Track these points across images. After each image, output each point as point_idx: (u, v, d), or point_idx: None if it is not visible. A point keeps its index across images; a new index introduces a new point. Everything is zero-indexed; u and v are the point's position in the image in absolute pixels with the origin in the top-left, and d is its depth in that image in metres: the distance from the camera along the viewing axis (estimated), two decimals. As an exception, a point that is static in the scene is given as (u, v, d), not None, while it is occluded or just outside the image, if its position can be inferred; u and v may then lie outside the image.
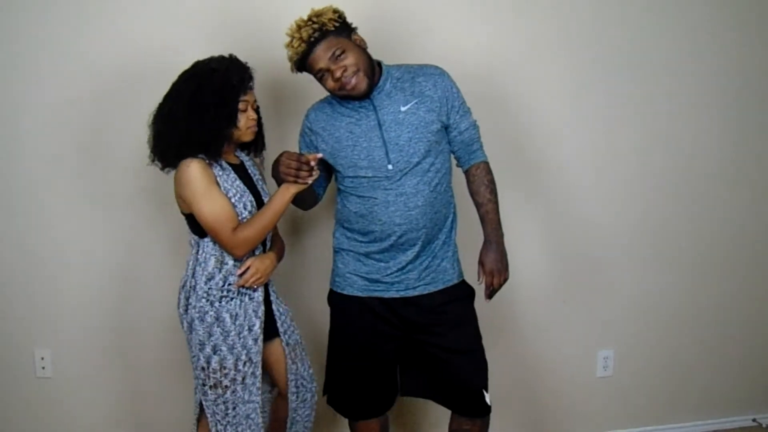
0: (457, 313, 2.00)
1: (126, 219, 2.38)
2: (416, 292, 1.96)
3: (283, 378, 2.03)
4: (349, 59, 1.83)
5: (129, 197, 2.37)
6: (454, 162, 2.07)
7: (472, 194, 2.04)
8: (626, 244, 2.66)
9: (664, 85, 2.60)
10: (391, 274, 1.95)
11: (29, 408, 2.42)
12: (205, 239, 1.89)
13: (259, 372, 1.92)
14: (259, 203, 1.93)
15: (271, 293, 2.02)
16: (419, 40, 2.41)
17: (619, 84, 2.56)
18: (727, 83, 2.64)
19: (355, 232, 1.97)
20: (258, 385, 1.93)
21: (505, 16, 2.47)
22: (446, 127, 1.97)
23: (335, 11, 1.86)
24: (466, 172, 2.04)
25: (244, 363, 1.89)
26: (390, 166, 1.88)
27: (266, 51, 2.11)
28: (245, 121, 1.88)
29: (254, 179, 1.99)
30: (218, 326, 1.87)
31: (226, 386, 1.88)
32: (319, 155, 1.88)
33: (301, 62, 1.86)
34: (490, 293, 2.01)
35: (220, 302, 1.87)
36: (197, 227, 1.88)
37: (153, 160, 1.88)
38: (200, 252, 1.90)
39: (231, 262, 1.89)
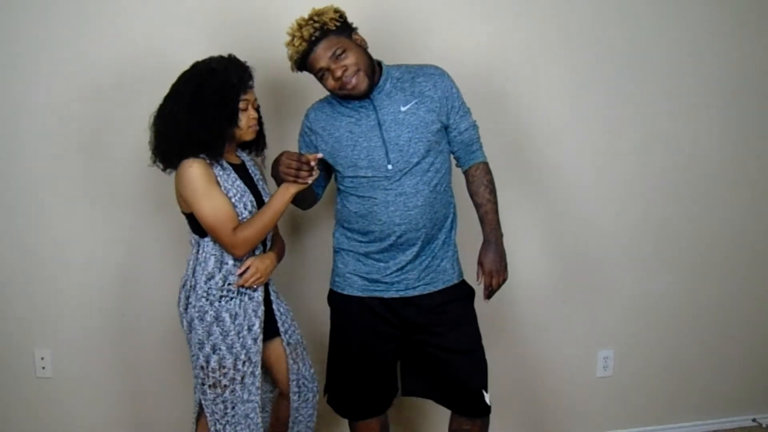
0: (457, 313, 2.00)
1: (126, 219, 2.38)
2: (416, 292, 1.96)
3: (283, 378, 2.03)
4: (350, 59, 1.83)
5: (129, 197, 2.37)
6: (453, 162, 2.07)
7: (472, 194, 2.04)
8: (626, 244, 2.66)
9: (664, 85, 2.60)
10: (391, 274, 1.95)
11: (29, 408, 2.42)
12: (206, 239, 1.89)
13: (258, 372, 1.92)
14: (260, 203, 1.93)
15: (272, 293, 2.02)
16: (419, 40, 2.41)
17: (619, 84, 2.57)
18: (727, 83, 2.64)
19: (355, 232, 1.97)
20: (257, 384, 1.93)
21: (505, 16, 2.47)
22: (446, 128, 1.97)
23: (336, 11, 1.86)
24: (466, 173, 2.04)
25: (243, 362, 1.89)
26: (390, 166, 1.88)
27: (266, 51, 2.11)
28: (246, 120, 1.89)
29: (255, 179, 1.99)
30: (217, 325, 1.87)
31: (225, 385, 1.88)
32: (319, 155, 1.88)
33: (302, 61, 1.86)
34: (489, 293, 2.01)
35: (219, 302, 1.88)
36: (198, 227, 1.88)
37: (155, 162, 1.89)
38: (200, 251, 1.90)
39: (231, 262, 1.89)
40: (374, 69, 1.90)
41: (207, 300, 1.87)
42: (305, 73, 1.92)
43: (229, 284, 1.89)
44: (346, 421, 2.14)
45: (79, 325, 2.40)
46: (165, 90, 1.89)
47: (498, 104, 2.49)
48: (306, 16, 1.84)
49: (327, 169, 2.02)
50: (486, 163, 2.04)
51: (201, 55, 1.92)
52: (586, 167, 2.60)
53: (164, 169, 1.90)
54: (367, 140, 1.90)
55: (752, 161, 2.72)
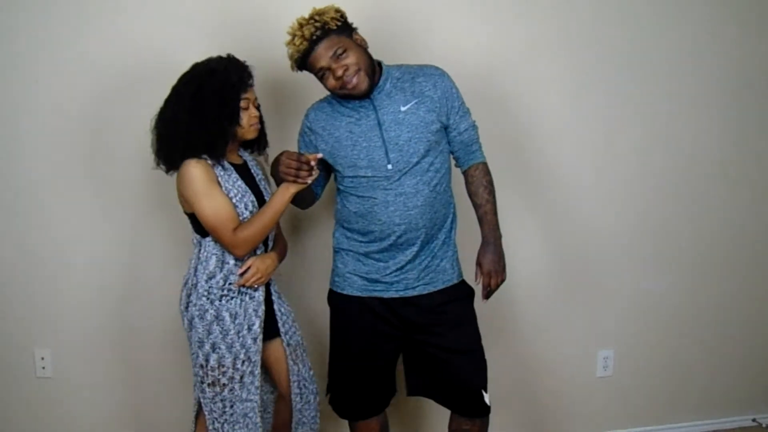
0: (456, 313, 2.00)
1: (126, 219, 2.38)
2: (416, 292, 1.96)
3: (283, 379, 2.04)
4: (351, 58, 1.83)
5: (129, 196, 2.37)
6: (453, 162, 2.07)
7: (471, 195, 2.04)
8: (626, 244, 2.66)
9: (664, 85, 2.60)
10: (391, 273, 1.95)
11: (29, 408, 2.42)
12: (207, 239, 1.90)
13: (257, 371, 1.93)
14: (261, 203, 1.93)
15: (273, 293, 2.02)
16: (419, 40, 2.41)
17: (619, 84, 2.57)
18: (727, 83, 2.64)
19: (355, 232, 1.98)
20: (257, 384, 1.93)
21: (505, 16, 2.47)
22: (446, 128, 1.97)
23: (337, 10, 1.86)
24: (465, 173, 2.04)
25: (243, 362, 1.89)
26: (389, 166, 1.88)
27: (266, 51, 2.11)
28: (248, 119, 1.89)
29: (257, 179, 1.99)
30: (217, 324, 1.88)
31: (224, 384, 1.88)
32: (319, 155, 1.88)
33: (303, 60, 1.86)
34: (488, 294, 2.01)
35: (220, 301, 1.88)
36: (200, 227, 1.89)
37: (158, 164, 1.89)
38: (202, 251, 1.91)
39: (232, 262, 1.89)
40: (374, 69, 1.91)
41: (208, 299, 1.88)
42: (305, 73, 1.92)
43: (230, 284, 1.89)
44: (346, 421, 2.14)
45: (79, 325, 2.40)
46: (165, 90, 1.89)
47: (498, 104, 2.49)
48: (307, 16, 1.85)
49: (326, 168, 2.02)
50: (485, 164, 2.04)
51: (201, 55, 1.92)
52: (586, 167, 2.60)
53: (167, 171, 1.90)
54: (367, 140, 1.90)
55: (752, 161, 2.72)
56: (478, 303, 2.04)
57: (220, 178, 1.86)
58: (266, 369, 2.02)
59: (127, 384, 2.45)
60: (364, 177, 1.91)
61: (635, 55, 2.56)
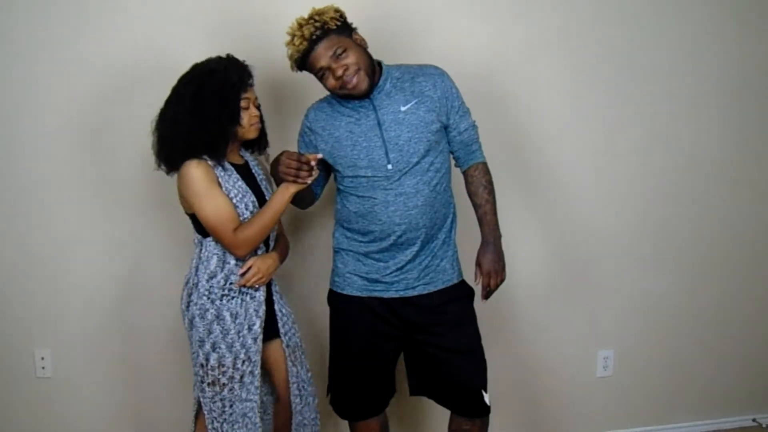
0: (456, 313, 2.00)
1: (126, 219, 2.38)
2: (416, 292, 1.96)
3: (281, 380, 2.04)
4: (351, 58, 1.83)
5: (129, 196, 2.37)
6: (453, 162, 2.07)
7: (470, 195, 2.04)
8: (626, 244, 2.66)
9: (664, 85, 2.60)
10: (391, 273, 1.95)
11: (29, 408, 2.42)
12: (208, 238, 1.90)
13: (257, 371, 1.93)
14: (262, 203, 1.93)
15: (274, 293, 2.02)
16: (419, 40, 2.41)
17: (619, 84, 2.57)
18: (727, 83, 2.64)
19: (355, 232, 1.98)
20: (256, 384, 1.93)
21: (505, 16, 2.47)
22: (445, 128, 1.97)
23: (337, 10, 1.86)
24: (465, 173, 2.04)
25: (243, 362, 1.89)
26: (389, 166, 1.88)
27: (266, 51, 2.11)
28: (248, 119, 1.89)
29: (258, 179, 1.99)
30: (218, 324, 1.88)
31: (223, 384, 1.89)
32: (319, 155, 1.88)
33: (302, 60, 1.86)
34: (487, 294, 2.01)
35: (221, 300, 1.88)
36: (201, 227, 1.89)
37: (159, 166, 1.90)
38: (203, 251, 1.91)
39: (233, 261, 1.90)
40: (374, 69, 1.91)
41: (208, 298, 1.88)
42: (305, 73, 1.92)
43: (231, 283, 1.89)
44: (346, 421, 2.14)
45: (79, 325, 2.40)
46: (165, 90, 1.89)
47: (498, 104, 2.49)
48: (306, 16, 1.85)
49: (326, 168, 2.02)
50: (485, 164, 2.04)
51: (201, 55, 1.92)
52: (586, 167, 2.60)
53: (168, 172, 1.90)
54: (367, 140, 1.90)
55: (752, 161, 2.72)
56: (478, 303, 2.04)
57: (220, 179, 1.86)
58: (265, 370, 2.02)
59: (127, 384, 2.45)
60: (364, 177, 1.91)
61: (635, 55, 2.56)
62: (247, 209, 1.88)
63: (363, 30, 1.94)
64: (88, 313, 2.40)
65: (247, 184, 1.93)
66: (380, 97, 1.91)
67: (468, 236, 2.17)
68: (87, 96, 2.30)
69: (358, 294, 1.98)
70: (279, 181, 1.90)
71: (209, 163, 1.85)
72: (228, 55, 1.90)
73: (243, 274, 1.89)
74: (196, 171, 1.82)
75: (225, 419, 1.91)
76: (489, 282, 2.00)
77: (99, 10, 2.27)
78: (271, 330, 1.98)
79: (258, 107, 1.95)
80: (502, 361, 2.52)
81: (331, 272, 2.07)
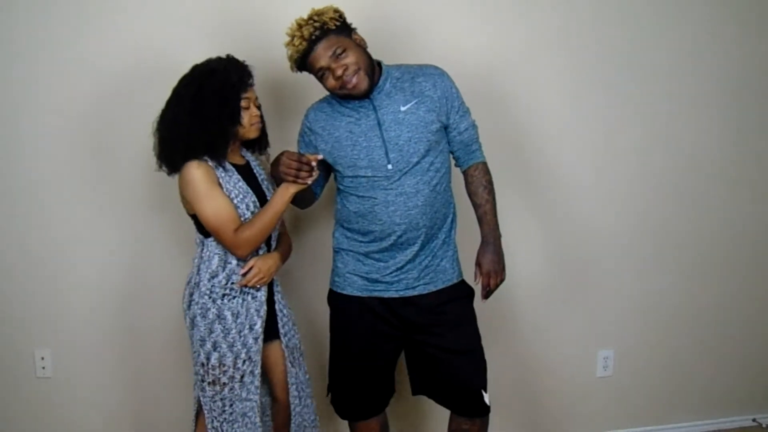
0: (456, 313, 2.00)
1: (126, 219, 2.38)
2: (416, 292, 1.96)
3: (280, 381, 2.04)
4: (350, 58, 1.83)
5: (129, 196, 2.37)
6: (453, 162, 2.07)
7: (470, 195, 2.04)
8: (626, 244, 2.66)
9: (664, 85, 2.60)
10: (391, 273, 1.95)
11: (29, 408, 2.42)
12: (210, 238, 1.91)
13: (258, 371, 1.93)
14: (263, 203, 1.93)
15: (276, 293, 2.02)
16: (419, 40, 2.41)
17: (619, 84, 2.57)
18: (727, 83, 2.65)
19: (355, 232, 1.98)
20: (257, 384, 1.93)
21: (505, 16, 2.47)
22: (445, 127, 1.97)
23: (336, 11, 1.86)
24: (465, 173, 2.05)
25: (244, 361, 1.90)
26: (389, 166, 1.88)
27: (266, 51, 2.11)
28: (248, 118, 1.89)
29: (259, 179, 1.99)
30: (219, 323, 1.88)
31: (224, 383, 1.89)
32: (320, 156, 1.88)
33: (302, 61, 1.86)
34: (487, 294, 2.01)
35: (222, 300, 1.89)
36: (203, 227, 1.90)
37: (160, 167, 1.90)
38: (205, 250, 1.92)
39: (234, 261, 1.90)
40: (374, 69, 1.91)
41: (210, 298, 1.89)
42: (305, 74, 1.92)
43: (232, 283, 1.90)
44: (345, 421, 2.14)
45: (79, 325, 2.40)
46: (165, 90, 1.89)
47: (498, 104, 2.49)
48: (305, 16, 1.85)
49: (326, 168, 2.02)
50: (485, 163, 2.04)
51: (201, 55, 1.92)
52: (586, 167, 2.60)
53: (169, 174, 1.91)
54: (367, 140, 1.90)
55: (752, 161, 2.72)
56: (478, 303, 2.04)
57: (221, 179, 1.86)
58: (263, 371, 2.02)
59: (127, 384, 2.45)
60: (364, 177, 1.91)
61: (635, 55, 2.56)
62: (248, 209, 1.88)
63: (363, 30, 1.94)
64: (88, 313, 2.40)
65: (249, 184, 1.93)
66: (380, 97, 1.91)
67: (468, 236, 2.17)
68: (87, 96, 2.30)
69: (358, 294, 1.99)
70: (279, 182, 1.90)
71: (210, 164, 1.86)
72: (228, 56, 1.91)
73: (244, 274, 1.89)
74: (196, 172, 1.82)
75: (225, 419, 1.91)
76: (489, 282, 2.00)
77: (99, 10, 2.27)
78: (271, 330, 1.99)
79: (258, 107, 1.95)
80: (502, 361, 2.52)
81: (331, 272, 2.07)
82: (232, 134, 1.89)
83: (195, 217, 1.91)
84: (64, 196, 2.34)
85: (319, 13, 1.84)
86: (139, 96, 2.28)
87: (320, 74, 1.87)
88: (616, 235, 2.65)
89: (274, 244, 2.01)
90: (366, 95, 1.89)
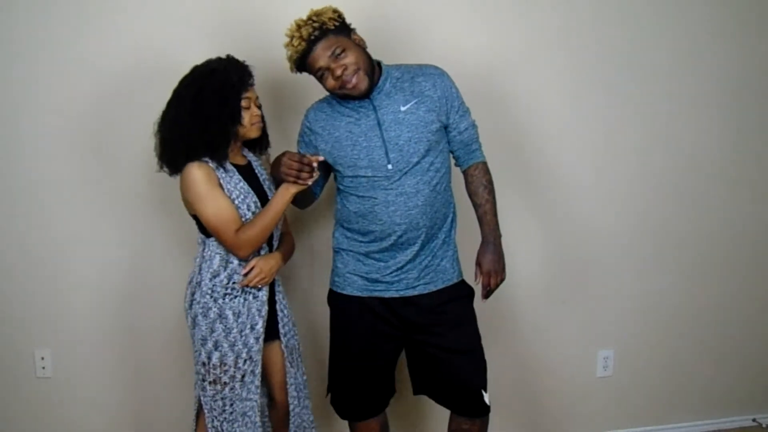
0: (456, 312, 2.00)
1: (126, 219, 2.38)
2: (416, 292, 1.96)
3: (278, 381, 2.04)
4: (349, 58, 1.83)
5: (129, 196, 2.36)
6: (453, 162, 2.07)
7: (470, 194, 2.04)
8: (626, 244, 2.66)
9: (664, 85, 2.60)
10: (391, 273, 1.95)
11: (29, 408, 2.42)
12: (211, 238, 1.91)
13: (258, 371, 1.93)
14: (265, 203, 1.93)
15: (277, 293, 2.02)
16: (419, 40, 2.41)
17: (619, 84, 2.57)
18: (727, 83, 2.65)
19: (355, 232, 1.98)
20: (257, 383, 1.93)
21: (505, 16, 2.47)
22: (445, 127, 1.97)
23: (335, 11, 1.86)
24: (465, 173, 2.05)
25: (245, 361, 1.90)
26: (390, 166, 1.88)
27: (266, 51, 2.11)
28: (249, 118, 1.90)
29: (261, 179, 1.99)
30: (221, 323, 1.88)
31: (225, 383, 1.89)
32: (321, 158, 1.88)
33: (301, 61, 1.86)
34: (487, 293, 2.01)
35: (223, 299, 1.89)
36: (204, 227, 1.90)
37: (161, 168, 1.90)
38: (206, 250, 1.92)
39: (236, 261, 1.91)
40: (374, 69, 1.91)
41: (211, 297, 1.89)
42: (305, 74, 1.92)
43: (233, 283, 1.90)
44: (345, 422, 2.14)
45: (79, 325, 2.40)
46: (165, 90, 1.89)
47: (498, 104, 2.49)
48: (304, 17, 1.85)
49: (326, 169, 2.02)
50: (485, 163, 2.04)
51: (201, 55, 1.92)
52: (586, 167, 2.60)
53: (171, 174, 1.91)
54: (367, 140, 1.90)
55: (752, 161, 2.72)
56: (478, 303, 2.04)
57: (222, 180, 1.87)
58: (262, 372, 2.02)
59: (127, 384, 2.45)
60: (364, 177, 1.91)
61: (635, 55, 2.56)
62: (249, 210, 1.89)
63: (363, 30, 1.94)
64: (88, 313, 2.40)
65: (250, 184, 1.93)
66: (380, 97, 1.91)
67: (468, 236, 2.17)
68: (87, 96, 2.30)
69: (359, 294, 1.99)
70: (279, 182, 1.90)
71: (211, 164, 1.86)
72: (228, 56, 1.91)
73: (246, 274, 1.89)
74: (197, 173, 1.83)
75: (225, 418, 1.91)
76: (489, 281, 2.00)
77: (99, 10, 2.27)
78: (271, 331, 1.99)
79: (259, 107, 1.95)
80: (502, 361, 2.52)
81: (331, 272, 2.07)
82: (233, 134, 1.89)
83: (196, 217, 1.91)
84: (64, 196, 2.34)
85: (317, 14, 1.84)
86: (139, 96, 2.28)
87: (319, 74, 1.87)
88: (616, 235, 2.65)
89: (276, 243, 2.01)
90: (366, 95, 1.89)
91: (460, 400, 2.01)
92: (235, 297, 1.90)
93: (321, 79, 1.88)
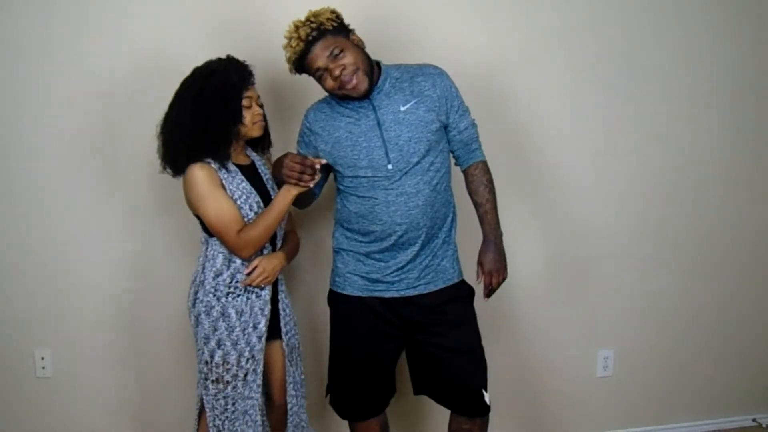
0: (457, 312, 2.00)
1: (127, 218, 2.38)
2: (416, 292, 1.96)
3: (277, 380, 2.04)
4: (348, 58, 1.83)
5: (129, 196, 2.36)
6: (453, 161, 2.07)
7: (471, 194, 2.04)
8: (626, 244, 2.66)
9: (664, 85, 2.60)
10: (392, 273, 1.95)
11: (29, 408, 2.42)
12: (214, 237, 1.91)
13: (260, 369, 1.94)
14: (268, 203, 1.94)
15: (280, 292, 2.03)
16: (419, 40, 2.41)
17: (619, 84, 2.57)
18: (727, 83, 2.64)
19: (355, 233, 1.98)
20: (258, 382, 1.94)
21: (505, 16, 2.47)
22: (445, 127, 1.97)
23: (333, 11, 1.87)
24: (465, 172, 2.05)
25: (247, 360, 1.90)
26: (390, 166, 1.88)
27: (266, 51, 2.11)
28: (251, 117, 1.90)
29: (264, 179, 2.00)
30: (223, 321, 1.89)
31: (227, 381, 1.90)
32: (324, 161, 1.89)
33: (300, 62, 1.86)
34: (489, 293, 2.01)
35: (226, 298, 1.90)
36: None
37: (164, 169, 1.90)
38: (209, 249, 1.93)
39: (239, 260, 1.91)
40: (373, 69, 1.91)
41: (214, 296, 1.90)
42: (305, 75, 1.92)
43: (236, 282, 1.90)
44: (345, 422, 2.14)
45: (79, 325, 2.40)
46: (165, 89, 1.90)
47: (498, 104, 2.49)
48: (303, 18, 1.85)
49: (326, 169, 2.02)
50: (485, 162, 2.04)
51: (201, 55, 1.93)
52: (586, 167, 2.60)
53: (174, 175, 1.92)
54: (367, 140, 1.90)
55: (752, 161, 2.72)
56: (478, 302, 2.04)
57: (224, 181, 1.87)
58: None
59: (127, 384, 2.45)
60: (364, 177, 1.91)
61: (635, 55, 2.56)
62: (251, 210, 1.89)
63: (363, 30, 1.94)
64: (88, 313, 2.40)
65: (254, 184, 1.94)
66: (379, 97, 1.91)
67: (468, 236, 2.17)
68: (87, 96, 2.30)
69: (359, 294, 1.99)
70: (280, 183, 1.91)
71: (213, 165, 1.86)
72: (228, 56, 1.92)
73: (249, 274, 1.90)
74: (199, 174, 1.83)
75: (227, 417, 1.92)
76: (491, 281, 2.00)
77: (99, 11, 2.27)
78: (273, 329, 1.99)
79: (261, 106, 1.95)
80: (502, 361, 2.52)
81: (331, 272, 2.07)
82: (235, 134, 1.89)
83: (199, 217, 1.92)
84: (64, 196, 2.34)
85: (315, 14, 1.84)
86: (139, 96, 2.28)
87: (318, 75, 1.87)
88: (616, 235, 2.65)
89: (279, 243, 2.02)
90: (366, 95, 1.89)
91: (460, 400, 2.01)
92: (238, 296, 1.91)
93: (320, 80, 1.88)
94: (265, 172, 2.02)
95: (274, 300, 1.99)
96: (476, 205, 2.04)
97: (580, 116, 2.56)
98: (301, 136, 2.03)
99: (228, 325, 1.89)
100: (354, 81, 1.84)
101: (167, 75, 1.92)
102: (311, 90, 2.07)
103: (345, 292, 2.01)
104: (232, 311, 1.90)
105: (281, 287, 2.03)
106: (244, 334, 1.90)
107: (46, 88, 2.28)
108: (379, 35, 2.15)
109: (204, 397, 1.94)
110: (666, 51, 2.58)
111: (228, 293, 1.90)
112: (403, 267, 1.95)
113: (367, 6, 2.31)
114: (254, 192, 1.92)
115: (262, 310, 1.93)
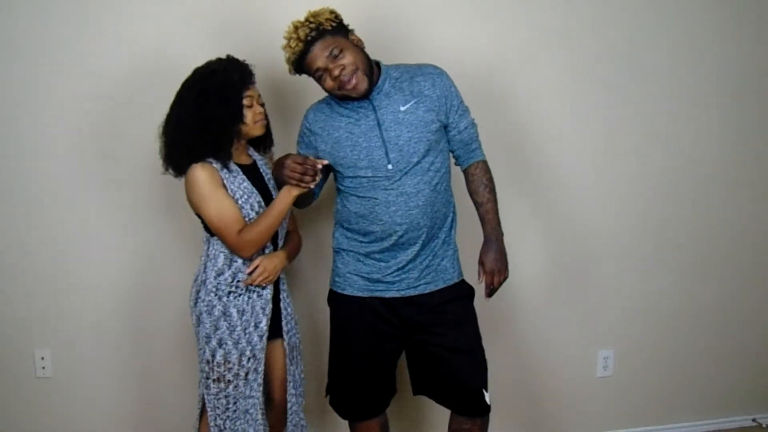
0: (457, 312, 2.00)
1: (127, 218, 2.37)
2: (417, 291, 1.96)
3: (277, 379, 2.05)
4: (347, 58, 1.83)
5: (129, 196, 2.36)
6: (453, 161, 2.07)
7: (471, 193, 2.04)
8: (626, 244, 2.66)
9: (664, 85, 2.60)
10: (392, 273, 1.95)
11: (29, 408, 2.42)
12: (215, 237, 1.91)
13: (261, 368, 1.94)
14: (269, 202, 1.94)
15: (281, 291, 2.03)
16: (419, 40, 2.41)
17: (619, 84, 2.57)
18: (727, 83, 2.65)
19: (355, 233, 1.98)
20: (259, 381, 1.94)
21: (505, 16, 2.47)
22: (445, 127, 1.97)
23: (332, 12, 1.87)
24: (465, 172, 2.05)
25: (248, 359, 1.91)
26: (390, 166, 1.88)
27: (266, 51, 2.11)
28: (252, 116, 1.90)
29: (266, 178, 2.00)
30: (225, 320, 1.89)
31: (228, 380, 1.90)
32: (325, 161, 1.89)
33: (299, 62, 1.86)
34: (490, 292, 2.01)
35: (228, 297, 1.90)
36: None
37: (166, 169, 1.91)
38: (210, 248, 1.93)
39: (240, 260, 1.91)
40: (372, 69, 1.91)
41: (216, 295, 1.90)
42: (306, 76, 1.92)
43: (238, 281, 1.91)
44: (345, 422, 2.14)
45: (79, 325, 2.40)
46: (165, 89, 1.90)
47: (498, 104, 2.49)
48: (302, 19, 1.85)
49: (326, 169, 2.02)
50: (485, 162, 2.04)
51: (201, 55, 1.93)
52: (586, 167, 2.60)
53: (176, 176, 1.92)
54: (367, 140, 1.90)
55: (752, 161, 2.72)
56: (478, 302, 2.04)
57: (225, 181, 1.87)
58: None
59: (127, 384, 2.45)
60: (364, 177, 1.91)
61: (635, 55, 2.56)
62: (252, 210, 1.89)
63: (363, 30, 1.94)
64: (88, 313, 2.40)
65: (255, 183, 1.94)
66: (379, 97, 1.91)
67: (468, 236, 2.17)
68: (87, 96, 2.30)
69: (359, 294, 1.99)
70: (280, 183, 1.90)
71: (214, 165, 1.87)
72: (228, 56, 1.92)
73: (250, 273, 1.90)
74: (200, 174, 1.84)
75: (228, 416, 1.92)
76: (492, 280, 2.00)
77: (99, 10, 2.27)
78: (274, 328, 1.99)
79: (262, 105, 1.96)
80: (502, 361, 2.52)
81: (331, 272, 2.07)
82: (236, 133, 1.90)
83: (201, 216, 1.92)
84: (65, 196, 2.34)
85: (314, 15, 1.84)
86: (139, 96, 2.28)
87: (318, 75, 1.87)
88: (616, 235, 2.65)
89: (281, 242, 2.02)
90: (365, 96, 1.89)
91: (460, 400, 2.01)
92: (240, 295, 1.91)
93: (320, 80, 1.88)
94: (267, 172, 2.02)
95: (276, 299, 2.00)
96: (477, 204, 2.04)
97: (580, 116, 2.56)
98: (300, 136, 2.03)
99: (229, 324, 1.90)
100: (353, 81, 1.84)
101: (167, 75, 1.92)
102: (311, 90, 2.07)
103: (345, 292, 2.01)
104: (233, 310, 1.90)
105: (283, 286, 2.03)
106: (245, 334, 1.90)
107: (46, 88, 2.28)
108: (379, 35, 2.16)
109: (205, 396, 1.94)
110: (666, 51, 2.58)
111: (229, 292, 1.90)
112: (403, 267, 1.95)
113: (367, 6, 2.31)
114: (255, 192, 1.92)
115: (263, 309, 1.93)
